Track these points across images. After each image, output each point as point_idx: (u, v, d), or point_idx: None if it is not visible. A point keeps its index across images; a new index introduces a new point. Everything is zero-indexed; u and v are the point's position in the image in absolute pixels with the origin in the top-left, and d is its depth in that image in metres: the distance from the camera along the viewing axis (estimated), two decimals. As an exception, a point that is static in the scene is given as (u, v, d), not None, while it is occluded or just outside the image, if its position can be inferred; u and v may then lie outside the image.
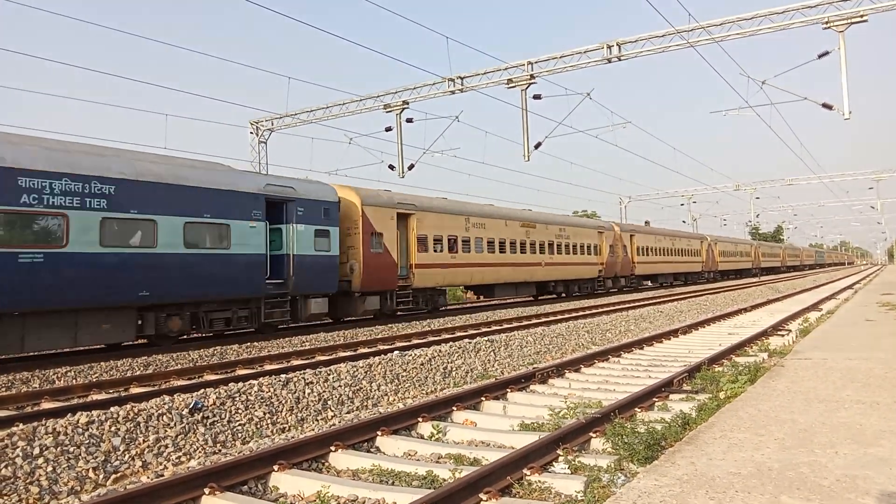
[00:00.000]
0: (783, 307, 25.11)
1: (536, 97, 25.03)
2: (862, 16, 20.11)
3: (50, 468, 6.27)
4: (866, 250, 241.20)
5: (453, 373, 11.89)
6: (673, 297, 30.05)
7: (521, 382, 10.16)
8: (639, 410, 7.95)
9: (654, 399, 8.51)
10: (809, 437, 4.97)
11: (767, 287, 40.80)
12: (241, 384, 8.99)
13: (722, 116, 34.34)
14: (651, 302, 27.44)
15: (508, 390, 9.70)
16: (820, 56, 21.37)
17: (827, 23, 20.48)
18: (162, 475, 6.63)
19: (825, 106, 22.14)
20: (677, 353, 13.66)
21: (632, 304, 26.04)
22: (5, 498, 5.82)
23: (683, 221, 71.25)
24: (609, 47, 23.56)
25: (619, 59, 23.58)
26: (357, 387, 10.10)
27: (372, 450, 7.06)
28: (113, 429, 7.07)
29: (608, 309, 24.04)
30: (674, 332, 16.72)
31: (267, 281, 16.61)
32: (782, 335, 14.99)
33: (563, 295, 33.98)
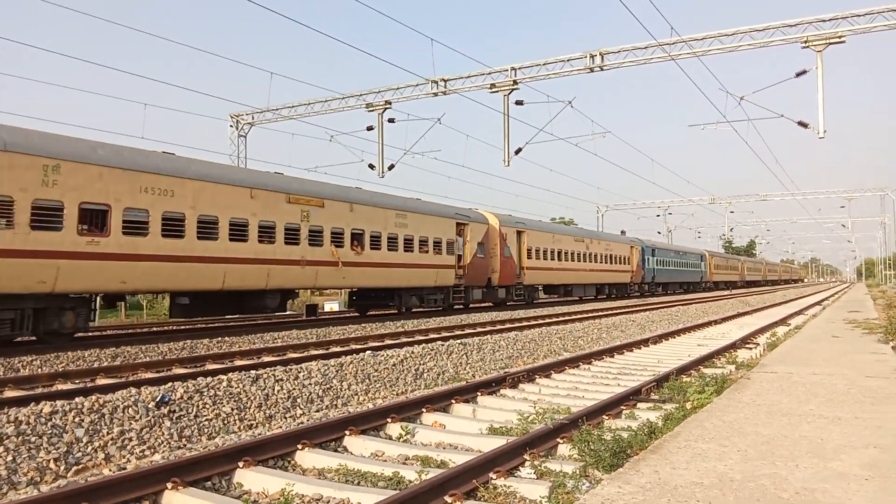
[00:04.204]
0: (752, 321, 25.47)
1: (519, 103, 25.17)
2: (840, 37, 20.54)
3: (10, 458, 6.16)
4: (836, 268, 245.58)
5: (425, 374, 11.89)
6: (646, 308, 30.49)
7: (492, 386, 10.18)
8: (606, 418, 8.00)
9: (622, 407, 8.58)
10: (771, 450, 5.05)
11: (738, 300, 41.48)
12: (209, 379, 8.91)
13: (700, 130, 34.87)
14: (624, 311, 27.76)
15: (479, 394, 9.71)
16: (798, 75, 21.79)
17: (806, 42, 20.88)
18: (125, 468, 6.55)
19: (801, 124, 22.54)
20: (647, 362, 13.79)
21: (604, 313, 26.27)
22: (-38, 487, 5.70)
23: (658, 233, 72.05)
24: (592, 56, 23.79)
25: (602, 69, 23.81)
26: (327, 386, 10.06)
27: (339, 449, 7.03)
28: (77, 420, 6.97)
29: (581, 316, 24.23)
30: (644, 342, 16.87)
31: None
32: (750, 348, 15.19)
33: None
